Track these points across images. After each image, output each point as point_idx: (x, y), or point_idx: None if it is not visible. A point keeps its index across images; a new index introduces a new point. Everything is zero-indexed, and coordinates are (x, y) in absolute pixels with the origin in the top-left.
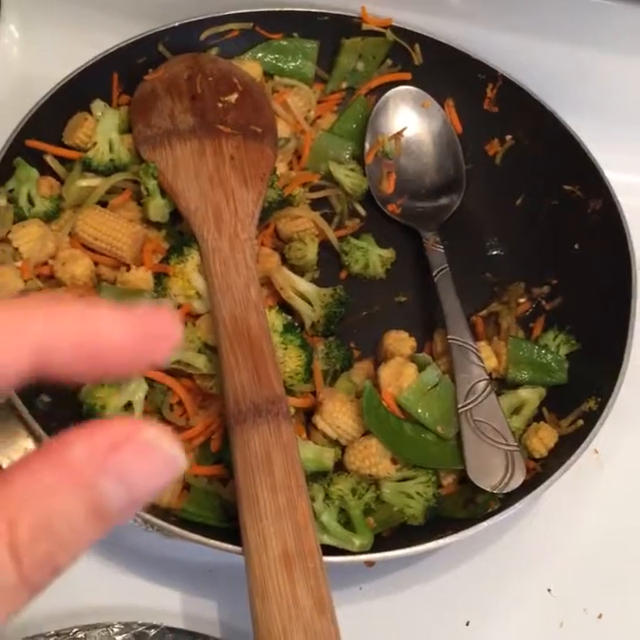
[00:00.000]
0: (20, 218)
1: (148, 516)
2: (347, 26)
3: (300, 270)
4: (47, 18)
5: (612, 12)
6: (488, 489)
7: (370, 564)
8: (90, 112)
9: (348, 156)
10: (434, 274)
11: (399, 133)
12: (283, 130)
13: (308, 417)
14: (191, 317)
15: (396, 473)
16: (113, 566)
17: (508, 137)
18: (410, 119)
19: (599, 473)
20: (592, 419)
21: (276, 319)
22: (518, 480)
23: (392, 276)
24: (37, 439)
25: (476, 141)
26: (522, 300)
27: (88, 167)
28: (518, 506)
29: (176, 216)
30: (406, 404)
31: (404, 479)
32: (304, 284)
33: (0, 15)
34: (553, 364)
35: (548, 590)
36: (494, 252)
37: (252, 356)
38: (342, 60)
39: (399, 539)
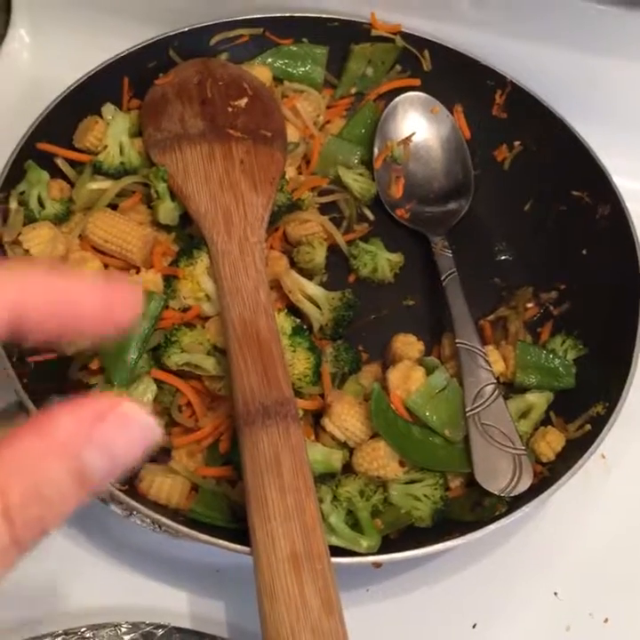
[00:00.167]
0: (30, 220)
1: (157, 517)
2: (356, 31)
3: (308, 274)
4: (57, 22)
5: (620, 19)
6: (495, 492)
7: (377, 565)
8: (100, 116)
9: (356, 161)
10: (442, 278)
11: (408, 138)
12: (292, 134)
13: (316, 419)
14: (200, 320)
15: (404, 475)
16: (121, 566)
17: (517, 143)
18: (419, 124)
19: (606, 477)
20: (599, 423)
21: (284, 322)
22: (526, 484)
23: (400, 280)
24: None
25: (484, 147)
26: (530, 305)
27: (98, 170)
28: (525, 509)
29: (186, 219)
30: (414, 407)
31: (412, 481)
32: (313, 288)
33: (10, 20)
34: (560, 368)
35: (555, 594)
36: (502, 257)
37: (261, 358)
38: (352, 66)
39: (406, 540)
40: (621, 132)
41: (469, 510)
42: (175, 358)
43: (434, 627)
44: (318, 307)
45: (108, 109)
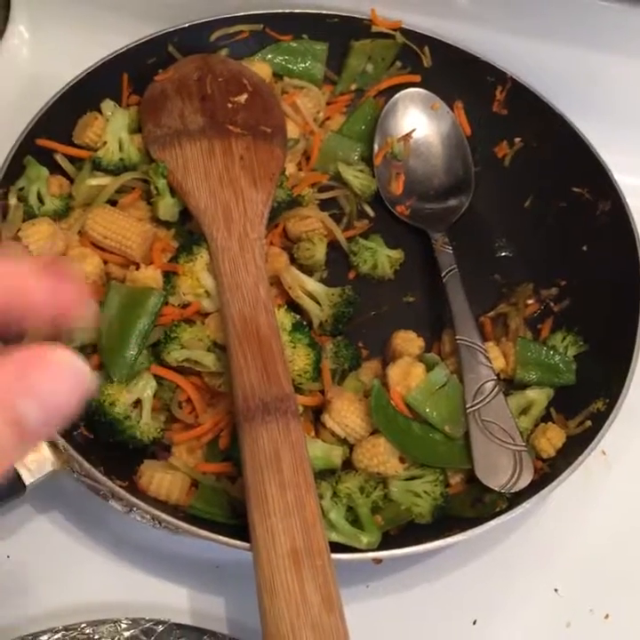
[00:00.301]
0: (29, 216)
1: (157, 513)
2: (356, 28)
3: (308, 270)
4: (56, 18)
5: (621, 15)
6: (496, 488)
7: (377, 561)
8: (100, 112)
9: (356, 158)
10: (442, 274)
11: (408, 135)
12: (292, 131)
13: (316, 415)
14: (200, 316)
15: (404, 472)
16: (121, 562)
17: (517, 139)
18: (419, 121)
19: (607, 474)
20: (600, 419)
21: (284, 318)
22: (526, 480)
23: (400, 277)
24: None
25: (484, 143)
26: (530, 302)
27: (98, 166)
28: (526, 505)
29: (185, 215)
30: (414, 404)
31: (412, 478)
32: (313, 284)
33: (10, 16)
34: (561, 364)
35: (555, 590)
36: (503, 254)
37: (261, 354)
38: (352, 62)
39: (407, 537)
40: (622, 129)
41: (470, 506)
42: (175, 354)
43: (434, 623)
44: (318, 303)
45: (108, 105)
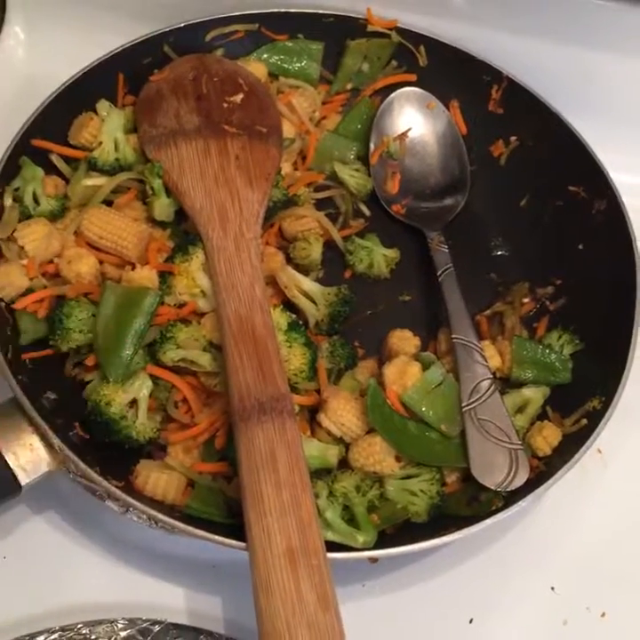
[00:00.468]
0: (25, 216)
1: (153, 513)
2: (352, 27)
3: (304, 269)
4: (52, 19)
5: (616, 13)
6: (492, 487)
7: (373, 560)
8: (95, 112)
9: (352, 157)
10: (438, 273)
11: (404, 134)
12: (288, 130)
13: (312, 415)
14: (196, 316)
15: (400, 470)
16: (117, 562)
17: (513, 138)
18: (415, 120)
19: (603, 472)
20: (596, 418)
21: (280, 318)
22: (522, 478)
23: (396, 276)
24: (42, 435)
25: (480, 142)
26: (526, 300)
27: (93, 166)
28: (522, 504)
29: (181, 215)
30: (410, 403)
31: (408, 477)
32: (308, 283)
33: (5, 17)
34: (557, 363)
35: (552, 588)
36: (499, 253)
37: (257, 354)
38: (347, 62)
39: (403, 536)
40: (617, 127)
41: (466, 505)
42: (171, 354)
43: (430, 622)
44: (314, 302)
45: (103, 106)
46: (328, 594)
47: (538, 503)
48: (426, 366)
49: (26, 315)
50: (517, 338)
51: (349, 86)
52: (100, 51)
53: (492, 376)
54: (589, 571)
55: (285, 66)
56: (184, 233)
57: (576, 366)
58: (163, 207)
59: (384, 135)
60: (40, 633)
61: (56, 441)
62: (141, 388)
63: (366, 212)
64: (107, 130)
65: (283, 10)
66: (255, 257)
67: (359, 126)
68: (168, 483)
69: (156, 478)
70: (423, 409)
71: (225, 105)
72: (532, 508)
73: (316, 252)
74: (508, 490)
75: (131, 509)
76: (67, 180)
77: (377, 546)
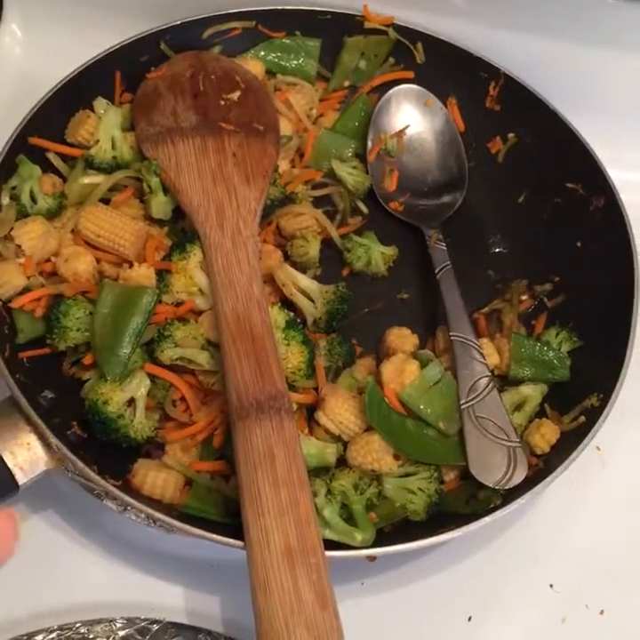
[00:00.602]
0: (22, 215)
1: (151, 511)
2: (349, 24)
3: (302, 267)
4: (49, 17)
5: (614, 10)
6: (490, 485)
7: (371, 558)
8: (92, 110)
9: (350, 154)
10: (436, 271)
11: (402, 131)
12: (285, 128)
13: (310, 413)
14: (194, 314)
15: (398, 469)
16: (115, 562)
17: (511, 135)
18: (412, 117)
19: (601, 470)
20: (594, 415)
21: (278, 316)
22: (520, 476)
23: (394, 274)
24: (40, 434)
25: (478, 139)
26: (524, 298)
27: (91, 164)
28: (520, 501)
29: (178, 213)
30: (408, 401)
31: (406, 475)
32: (306, 281)
33: (2, 15)
34: (555, 360)
35: (550, 586)
36: (497, 250)
37: (255, 352)
38: (345, 59)
39: (401, 534)
40: (615, 124)
41: (464, 503)
42: (169, 353)
43: (429, 620)
44: (312, 300)
45: (100, 103)
46: (326, 592)
47: (536, 501)
48: (424, 364)
49: (23, 313)
50: (515, 335)
51: (347, 83)
52: (97, 48)
53: (490, 373)
54: (588, 568)
55: (283, 63)
56: (181, 231)
57: (574, 363)
58: (160, 205)
59: (382, 132)
60: (38, 632)
61: (53, 440)
62: (139, 386)
63: (364, 209)
64: (104, 128)
65: (280, 7)
66: (253, 255)
67: (357, 124)
68: (166, 481)
69: (154, 477)
70: (421, 407)
71: (222, 102)
72: (530, 505)
73: (313, 249)
74: (507, 488)
75: (129, 508)
76: (64, 179)
77: (375, 544)
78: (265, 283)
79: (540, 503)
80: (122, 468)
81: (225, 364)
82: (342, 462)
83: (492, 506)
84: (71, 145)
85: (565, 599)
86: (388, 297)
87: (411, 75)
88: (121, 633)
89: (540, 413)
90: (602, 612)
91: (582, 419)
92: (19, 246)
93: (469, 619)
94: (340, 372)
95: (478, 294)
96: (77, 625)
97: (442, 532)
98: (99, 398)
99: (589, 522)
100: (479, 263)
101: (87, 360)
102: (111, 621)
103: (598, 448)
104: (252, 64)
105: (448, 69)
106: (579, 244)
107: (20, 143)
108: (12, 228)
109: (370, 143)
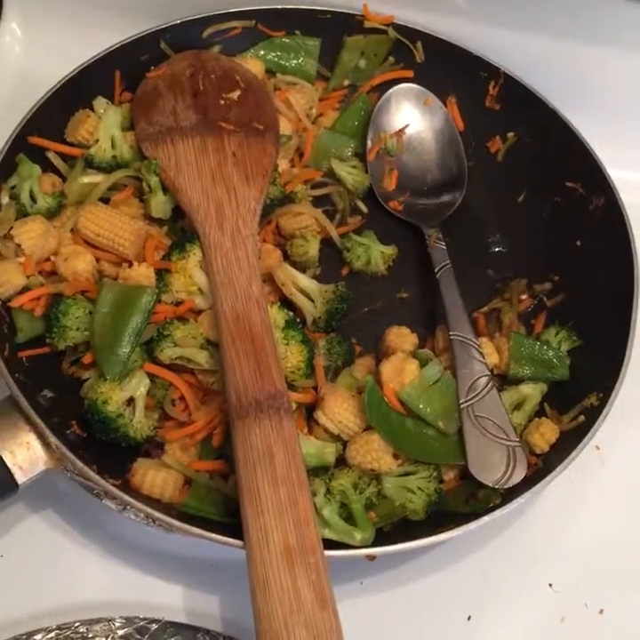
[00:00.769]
0: (22, 214)
1: (150, 511)
2: (349, 23)
3: (301, 267)
4: (49, 16)
5: (613, 9)
6: (489, 484)
7: (371, 558)
8: (92, 109)
9: (350, 154)
10: (436, 270)
11: (401, 131)
12: (285, 127)
13: (309, 412)
14: (193, 313)
15: (398, 468)
16: (115, 561)
17: (510, 134)
18: (412, 116)
19: (600, 469)
20: (593, 415)
21: (277, 315)
22: (520, 475)
23: (394, 273)
24: (39, 434)
25: (478, 138)
26: (524, 297)
27: (90, 164)
28: (520, 501)
29: (178, 213)
30: (408, 400)
31: (406, 474)
32: (306, 281)
33: (2, 13)
34: (554, 360)
35: (550, 585)
36: (496, 249)
37: (254, 351)
38: (344, 58)
39: (400, 533)
40: (615, 123)
41: (464, 502)
42: (168, 352)
43: (428, 619)
44: (311, 300)
45: (100, 103)
46: (325, 592)
47: (536, 500)
48: (423, 363)
49: (23, 313)
50: (515, 334)
51: (346, 83)
52: (96, 48)
53: (489, 373)
54: (587, 567)
55: (282, 62)
56: (181, 230)
57: (574, 363)
58: (160, 204)
59: (381, 132)
60: (37, 631)
61: (53, 439)
62: (138, 385)
63: (364, 208)
64: (104, 127)
65: (280, 6)
66: (252, 254)
67: (356, 123)
68: (165, 481)
69: (154, 476)
70: (420, 406)
71: (222, 102)
72: (529, 505)
73: (313, 249)
74: (506, 487)
75: (128, 508)
76: (64, 178)
77: (374, 543)
78: (264, 282)
79: (540, 502)
80: (121, 467)
81: (224, 364)
82: (341, 462)
83: (491, 505)
84: (71, 144)
85: (564, 598)
86: (388, 296)
87: (410, 74)
88: (120, 632)
89: (540, 413)
90: (601, 612)
91: (582, 418)
92: (18, 245)
93: (469, 618)
94: (339, 372)
95: (478, 293)
96: (76, 624)
97: (441, 532)
98: (98, 397)
99: (589, 521)
100: (479, 262)
101: (86, 359)
102: (110, 621)
103: (598, 447)
104: (252, 63)
105: (448, 68)
106: (578, 244)
107: (20, 142)
108: (11, 228)
109: (369, 142)
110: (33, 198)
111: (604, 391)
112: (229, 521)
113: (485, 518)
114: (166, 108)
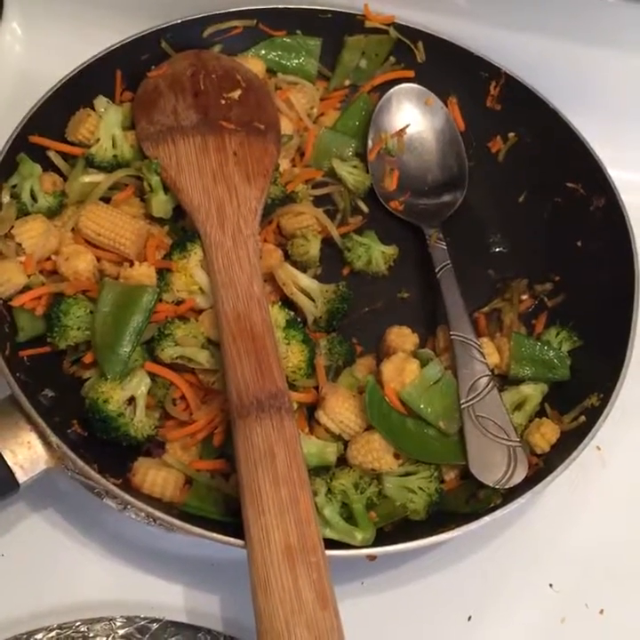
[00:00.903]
0: (23, 213)
1: (151, 510)
2: (350, 23)
3: (302, 266)
4: (50, 15)
5: (614, 9)
6: (490, 484)
7: (372, 558)
8: (93, 108)
9: (350, 153)
10: (436, 270)
11: (402, 131)
12: (286, 127)
13: (310, 412)
14: (194, 313)
15: (399, 468)
16: (115, 560)
17: (511, 134)
18: (413, 116)
19: (601, 469)
20: (594, 415)
21: (278, 315)
22: (520, 475)
23: (394, 273)
24: (40, 433)
25: (478, 139)
26: (524, 297)
27: (91, 163)
28: (521, 501)
29: (179, 212)
30: (409, 400)
31: (407, 474)
32: (307, 280)
33: (2, 13)
34: (555, 360)
35: (550, 585)
36: (497, 249)
37: (255, 351)
38: (345, 58)
39: (401, 533)
40: (616, 124)
41: (464, 502)
42: (169, 351)
43: (429, 619)
44: (312, 299)
45: (101, 102)
46: (327, 591)
47: (536, 500)
48: (424, 363)
49: (23, 312)
50: (516, 334)
51: (347, 83)
52: (97, 47)
53: (490, 373)
54: (588, 568)
55: (283, 62)
56: (182, 230)
57: (574, 363)
58: (160, 204)
59: (382, 131)
60: (38, 631)
61: (54, 438)
62: (139, 385)
63: (364, 208)
64: (104, 126)
65: (281, 6)
66: (253, 254)
67: (357, 123)
68: (166, 480)
69: (154, 475)
70: (421, 406)
71: (223, 101)
72: (530, 505)
73: (314, 248)
74: (507, 487)
75: (129, 507)
76: (64, 177)
77: (375, 543)
78: (265, 282)
79: (540, 503)
80: (122, 466)
81: (225, 363)
82: (342, 461)
83: (492, 505)
84: (72, 143)
85: (565, 599)
86: (389, 296)
87: (411, 74)
88: (121, 631)
89: (541, 413)
90: (601, 612)
91: (582, 418)
92: (19, 245)
93: (469, 618)
94: (340, 371)
95: (478, 293)
96: (77, 624)
97: (442, 532)
98: (99, 397)
99: (589, 521)
100: (479, 262)
101: (87, 359)
102: (111, 620)
103: (598, 448)
104: (253, 63)
105: (449, 68)
106: (579, 244)
107: (21, 141)
108: (12, 227)
109: (370, 142)
110: (34, 197)
111: (604, 391)
112: (230, 520)
113: (486, 518)
114: (167, 107)
